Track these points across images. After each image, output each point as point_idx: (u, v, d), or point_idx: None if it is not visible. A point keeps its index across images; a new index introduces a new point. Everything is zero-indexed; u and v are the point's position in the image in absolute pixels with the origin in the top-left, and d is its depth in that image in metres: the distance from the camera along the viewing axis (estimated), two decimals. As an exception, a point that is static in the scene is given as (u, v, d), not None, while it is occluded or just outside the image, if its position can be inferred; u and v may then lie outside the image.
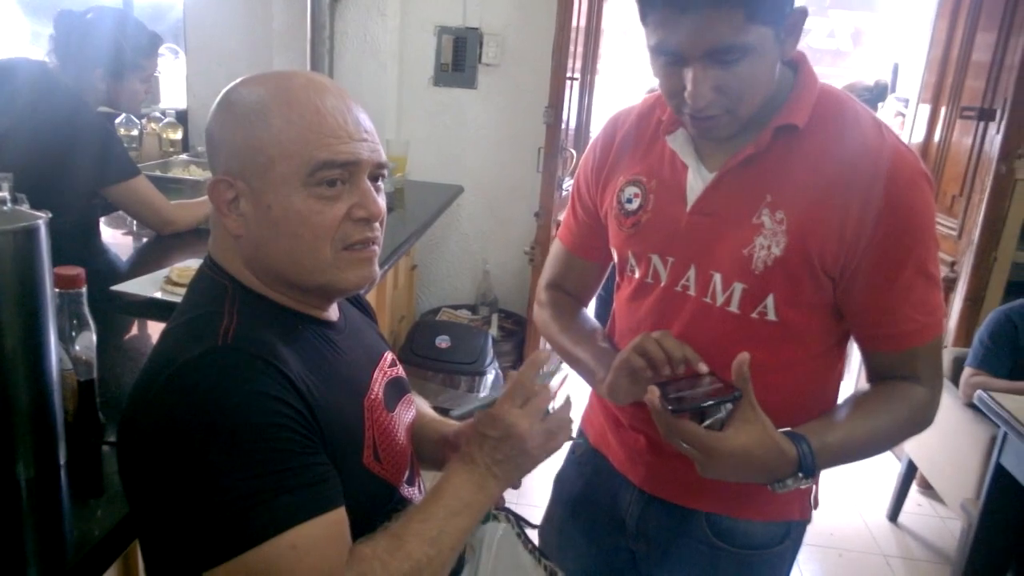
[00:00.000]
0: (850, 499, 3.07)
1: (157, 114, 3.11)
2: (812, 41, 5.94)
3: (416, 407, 1.07)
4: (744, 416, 0.94)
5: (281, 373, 0.74)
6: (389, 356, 1.01)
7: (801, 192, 0.99)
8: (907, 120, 3.69)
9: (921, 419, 1.07)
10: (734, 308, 1.03)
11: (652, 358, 1.00)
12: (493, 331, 3.41)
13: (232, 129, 0.81)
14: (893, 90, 3.99)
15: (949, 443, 2.61)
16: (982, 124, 3.01)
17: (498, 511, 1.05)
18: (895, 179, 0.96)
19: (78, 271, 0.99)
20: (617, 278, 1.21)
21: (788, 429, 0.99)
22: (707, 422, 0.97)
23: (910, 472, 2.92)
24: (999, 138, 2.88)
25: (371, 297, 2.53)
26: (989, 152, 2.95)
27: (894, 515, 2.96)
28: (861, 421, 1.04)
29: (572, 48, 2.96)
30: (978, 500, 2.26)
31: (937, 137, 3.37)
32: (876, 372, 1.08)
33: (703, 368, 0.99)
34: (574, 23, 2.92)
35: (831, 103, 1.02)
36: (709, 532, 1.16)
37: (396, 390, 0.97)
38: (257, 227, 0.81)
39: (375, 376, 0.92)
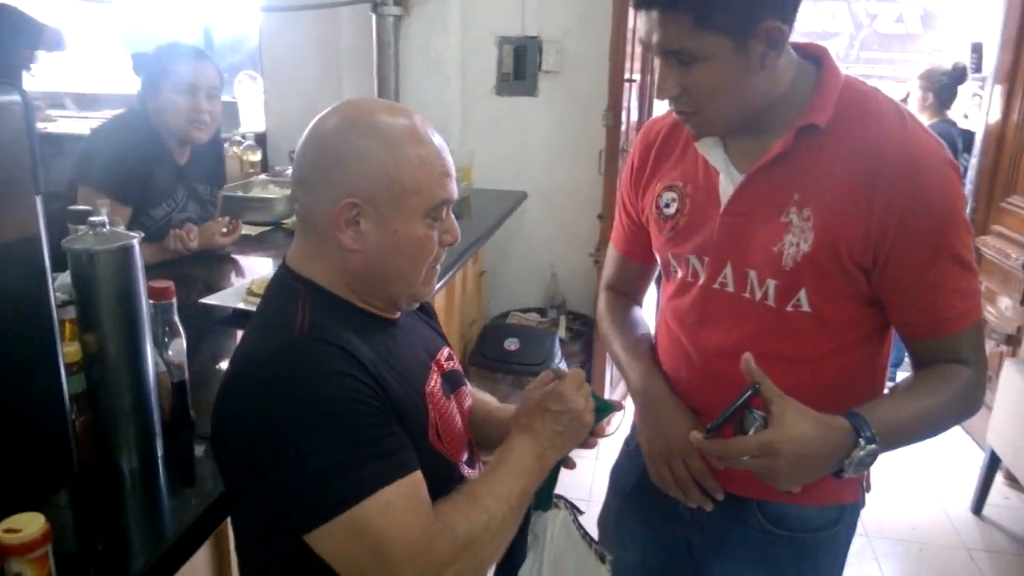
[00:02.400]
0: (931, 492, 3.00)
1: (238, 137, 3.30)
2: (879, 26, 5.77)
3: (477, 398, 1.17)
4: (778, 408, 0.96)
5: (354, 357, 0.84)
6: (446, 351, 1.09)
7: (826, 189, 1.02)
8: (983, 101, 3.58)
9: (971, 399, 1.08)
10: (770, 302, 1.07)
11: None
12: (561, 333, 3.46)
13: (370, 155, 0.88)
14: (977, 70, 3.85)
15: (1033, 433, 2.53)
16: (1061, 103, 2.91)
17: (558, 499, 1.12)
18: (919, 170, 0.99)
19: (169, 284, 1.11)
20: (663, 279, 1.27)
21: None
22: (751, 430, 1.00)
23: (993, 463, 2.83)
24: (1079, 116, 2.78)
25: (440, 302, 2.63)
26: (1069, 131, 2.84)
27: (978, 508, 2.87)
28: (910, 401, 1.06)
29: (629, 50, 2.99)
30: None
31: (1015, 117, 3.26)
32: (921, 361, 1.10)
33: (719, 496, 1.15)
34: (630, 25, 2.95)
35: (853, 98, 1.04)
36: (763, 519, 1.19)
37: (452, 382, 1.06)
38: (378, 246, 0.90)
39: (433, 368, 1.01)
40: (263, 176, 3.04)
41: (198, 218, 2.20)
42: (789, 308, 1.06)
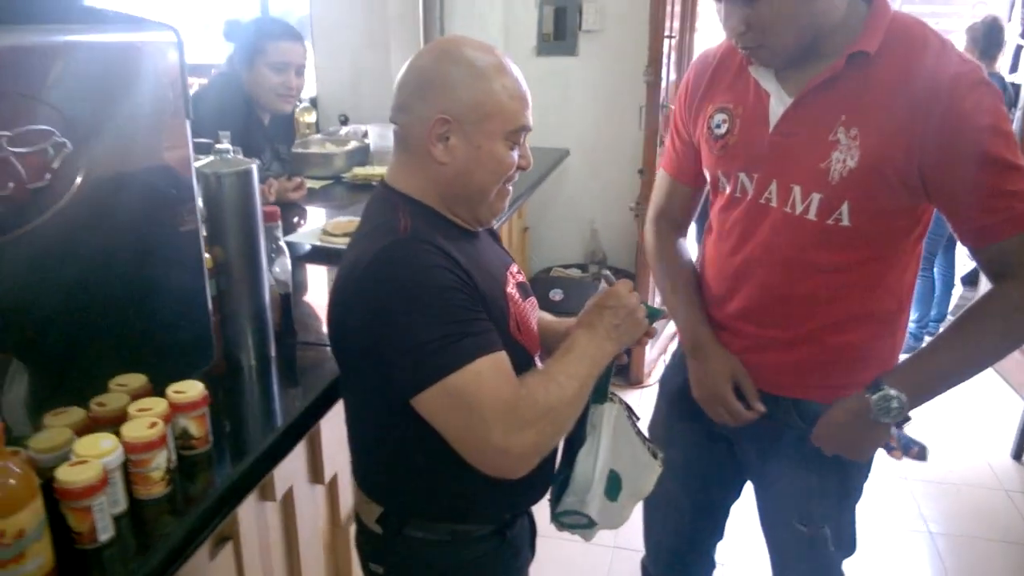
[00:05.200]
0: (972, 439, 3.08)
1: (294, 101, 3.45)
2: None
3: (541, 315, 1.31)
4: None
5: (449, 255, 0.99)
6: (515, 266, 1.24)
7: (873, 110, 1.13)
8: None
9: (1020, 322, 1.16)
10: (812, 216, 1.19)
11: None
12: (603, 286, 3.59)
13: (460, 81, 1.01)
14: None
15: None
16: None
17: (613, 395, 1.26)
18: (956, 87, 1.09)
19: (275, 208, 1.27)
20: (711, 195, 1.39)
21: None
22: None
23: (1032, 409, 2.90)
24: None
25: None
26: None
27: (1018, 454, 2.94)
28: (944, 344, 1.20)
29: (669, 8, 3.07)
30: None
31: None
32: (987, 269, 1.18)
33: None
34: (670, -17, 3.03)
35: (900, 29, 1.15)
36: (797, 417, 1.32)
37: (523, 291, 1.20)
38: (464, 160, 1.04)
39: (508, 276, 1.15)
40: (319, 135, 3.20)
41: (278, 174, 2.38)
42: (830, 221, 1.18)
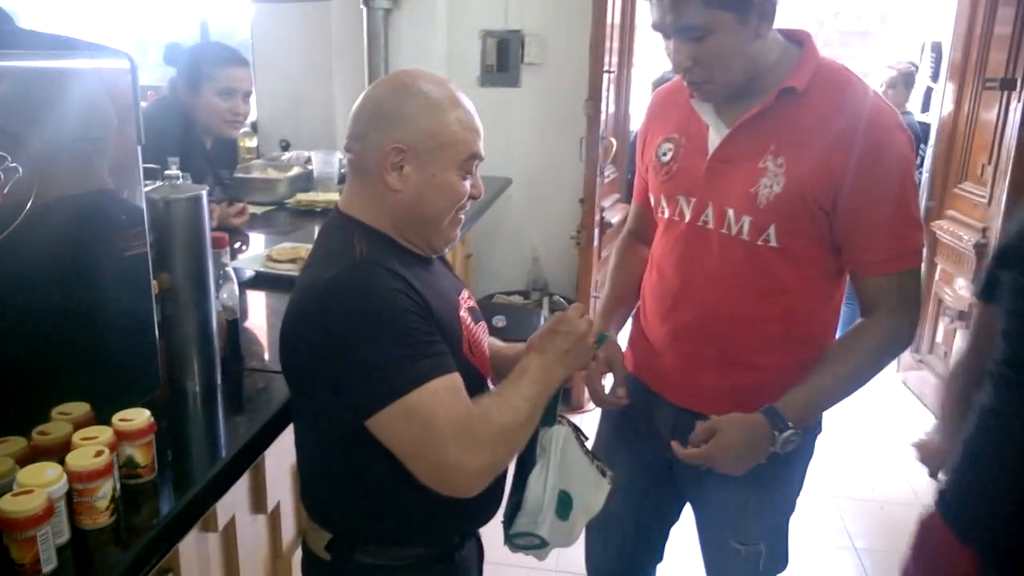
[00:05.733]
0: (893, 459, 3.19)
1: (233, 125, 3.42)
2: (841, 24, 6.11)
3: (489, 338, 1.34)
4: (717, 423, 1.27)
5: (404, 279, 1.01)
6: (466, 292, 1.26)
7: (798, 141, 1.23)
8: (936, 95, 3.83)
9: (895, 343, 1.30)
10: (744, 236, 1.27)
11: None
12: (545, 312, 3.64)
13: (416, 112, 1.05)
14: (937, 67, 4.11)
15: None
16: (1005, 94, 3.15)
17: (561, 417, 1.29)
18: (874, 129, 1.20)
19: (223, 235, 1.26)
20: (655, 219, 1.45)
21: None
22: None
23: (947, 429, 3.05)
24: (1020, 106, 3.01)
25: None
26: (1012, 120, 3.08)
27: (935, 472, 3.09)
28: (825, 378, 1.28)
29: (608, 44, 3.17)
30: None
31: (965, 110, 3.51)
32: (863, 300, 1.30)
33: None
34: (609, 20, 3.13)
35: (827, 72, 1.26)
36: None
37: (474, 315, 1.23)
38: (418, 187, 1.07)
39: (460, 301, 1.18)
40: (260, 160, 3.18)
41: (220, 199, 2.36)
42: (759, 242, 1.26)
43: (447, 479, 1.00)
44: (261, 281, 1.87)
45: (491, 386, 1.19)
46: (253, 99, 3.82)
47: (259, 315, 1.73)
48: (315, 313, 1.00)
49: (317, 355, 1.00)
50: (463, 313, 1.16)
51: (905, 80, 3.95)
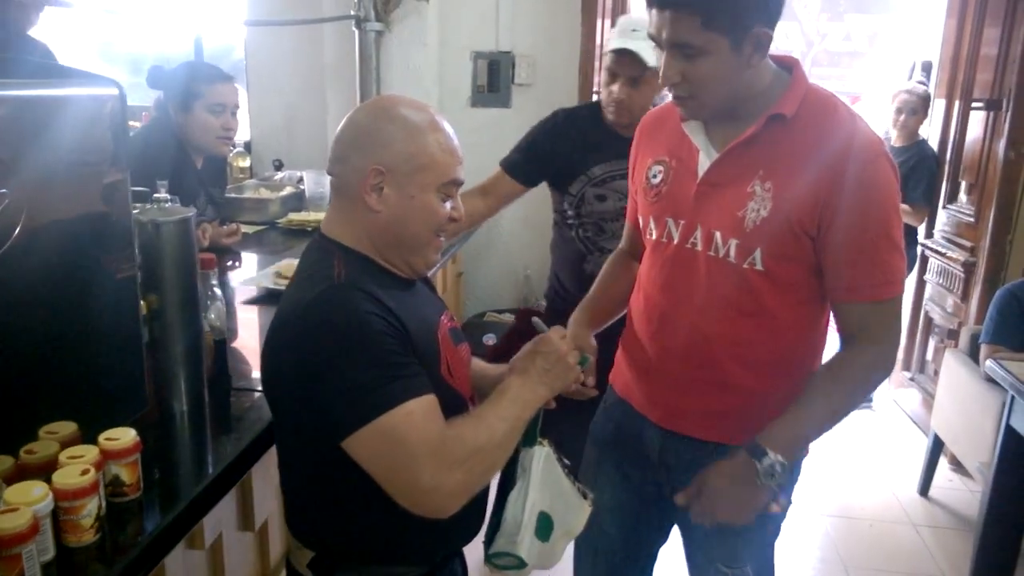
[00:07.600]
0: (881, 477, 3.21)
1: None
2: (829, 45, 6.19)
3: (472, 359, 1.35)
4: (701, 477, 1.30)
5: (381, 302, 1.03)
6: (448, 313, 1.28)
7: (786, 167, 1.25)
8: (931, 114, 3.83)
9: (880, 370, 1.30)
10: (731, 259, 1.28)
11: None
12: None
13: (395, 135, 1.08)
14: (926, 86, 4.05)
15: (967, 413, 2.77)
16: (991, 114, 3.19)
17: (542, 439, 1.31)
18: (859, 156, 1.21)
19: (211, 256, 1.28)
20: (643, 240, 1.46)
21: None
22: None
23: (937, 447, 3.05)
24: (1006, 126, 3.06)
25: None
26: (998, 140, 3.12)
27: (924, 490, 3.08)
28: (808, 408, 1.28)
29: (597, 64, 3.22)
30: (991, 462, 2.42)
31: (952, 130, 3.55)
32: (843, 326, 1.31)
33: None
34: (597, 41, 3.19)
35: (816, 99, 1.28)
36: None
37: (456, 337, 1.24)
38: (397, 208, 1.09)
39: (441, 322, 1.20)
40: (253, 180, 3.20)
41: (212, 218, 2.39)
42: (746, 265, 1.28)
43: (422, 500, 1.01)
44: (270, 298, 1.92)
45: (472, 407, 1.21)
46: (247, 119, 3.88)
47: (249, 334, 1.75)
48: (292, 336, 1.02)
49: (294, 377, 1.02)
50: (443, 335, 1.17)
51: (924, 105, 3.72)
